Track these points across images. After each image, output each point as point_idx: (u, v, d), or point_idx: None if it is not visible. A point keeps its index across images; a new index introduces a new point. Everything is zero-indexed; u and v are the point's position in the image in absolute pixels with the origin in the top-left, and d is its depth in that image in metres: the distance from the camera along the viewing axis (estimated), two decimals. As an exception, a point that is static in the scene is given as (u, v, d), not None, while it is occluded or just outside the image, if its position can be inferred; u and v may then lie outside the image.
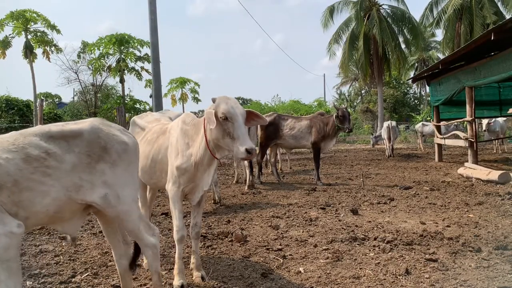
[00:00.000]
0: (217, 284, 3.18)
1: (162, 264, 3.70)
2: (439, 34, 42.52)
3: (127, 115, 14.91)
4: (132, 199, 2.49)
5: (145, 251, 2.57)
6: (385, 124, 15.35)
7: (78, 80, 20.20)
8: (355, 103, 44.84)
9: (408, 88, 43.23)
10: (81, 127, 2.36)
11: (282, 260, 3.67)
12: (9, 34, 17.46)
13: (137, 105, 20.19)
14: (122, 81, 18.48)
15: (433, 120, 13.38)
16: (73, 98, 28.23)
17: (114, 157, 2.37)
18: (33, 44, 17.51)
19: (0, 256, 1.92)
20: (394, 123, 15.18)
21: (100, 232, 4.81)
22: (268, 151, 9.63)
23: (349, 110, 8.95)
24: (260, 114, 3.16)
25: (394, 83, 39.74)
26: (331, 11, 25.72)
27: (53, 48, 18.14)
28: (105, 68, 18.57)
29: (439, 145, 12.86)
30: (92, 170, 2.29)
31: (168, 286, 3.17)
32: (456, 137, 11.23)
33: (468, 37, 22.95)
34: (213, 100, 2.88)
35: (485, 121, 14.74)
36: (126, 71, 18.18)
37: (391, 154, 14.70)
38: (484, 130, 15.26)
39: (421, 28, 25.23)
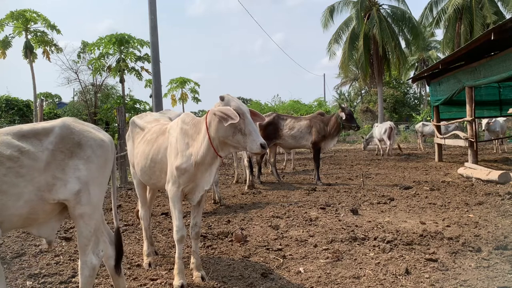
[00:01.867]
0: (217, 284, 3.18)
1: (162, 264, 3.71)
2: (439, 34, 42.62)
3: (127, 115, 14.89)
4: (98, 200, 2.41)
5: (83, 269, 2.37)
6: (385, 124, 15.53)
7: (78, 80, 20.19)
8: (355, 103, 44.83)
9: (408, 88, 43.23)
10: (53, 124, 2.33)
11: (282, 260, 3.67)
12: (9, 34, 17.46)
13: (137, 105, 20.17)
14: (122, 81, 18.44)
15: (433, 120, 13.39)
16: (73, 98, 28.21)
17: (88, 153, 2.33)
18: (33, 44, 17.49)
19: None
20: (392, 124, 15.52)
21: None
22: (267, 151, 9.64)
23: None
24: (258, 112, 3.19)
25: (394, 83, 39.74)
26: (331, 11, 25.72)
27: (53, 48, 18.12)
28: (105, 68, 18.54)
29: (439, 145, 12.86)
30: (65, 166, 2.24)
31: (168, 286, 3.17)
32: (456, 137, 11.24)
33: (468, 37, 22.96)
34: (222, 98, 2.90)
35: (484, 121, 14.75)
36: (126, 71, 18.15)
37: (391, 153, 14.95)
38: (483, 130, 15.28)
39: (421, 28, 25.22)
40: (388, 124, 15.42)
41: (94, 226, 2.38)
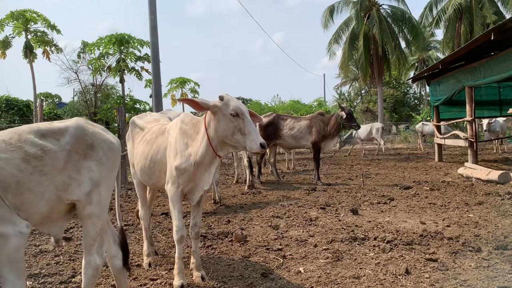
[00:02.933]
0: (217, 284, 3.18)
1: (162, 264, 3.71)
2: (439, 34, 42.63)
3: (127, 115, 14.89)
4: (107, 202, 2.44)
5: (86, 268, 2.37)
6: (376, 125, 16.30)
7: (78, 80, 20.20)
8: (355, 103, 44.84)
9: (408, 88, 43.22)
10: (67, 124, 2.35)
11: (282, 260, 3.67)
12: (9, 34, 17.47)
13: (137, 105, 20.17)
14: (122, 81, 18.44)
15: (433, 120, 13.39)
16: (73, 98, 28.21)
17: (100, 155, 2.36)
18: (33, 44, 17.50)
19: (11, 256, 1.92)
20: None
21: (100, 232, 4.81)
22: (267, 151, 9.65)
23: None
24: (255, 113, 3.19)
25: (394, 83, 39.74)
26: (331, 11, 25.75)
27: (53, 48, 18.13)
28: (105, 68, 18.54)
29: (439, 145, 12.86)
30: (80, 167, 2.27)
31: (168, 286, 3.17)
32: (456, 137, 11.24)
33: (468, 37, 22.98)
34: (221, 98, 2.90)
35: (485, 121, 14.75)
36: (126, 71, 18.15)
37: (382, 152, 16.05)
38: (485, 130, 15.29)
39: (421, 28, 25.24)
40: (380, 124, 16.37)
41: (101, 226, 2.40)
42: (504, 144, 16.30)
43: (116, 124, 10.65)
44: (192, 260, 3.34)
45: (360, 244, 4.08)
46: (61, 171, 2.20)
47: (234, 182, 9.13)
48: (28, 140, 2.12)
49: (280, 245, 4.13)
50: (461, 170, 9.05)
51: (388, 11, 25.35)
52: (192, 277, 3.27)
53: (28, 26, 17.35)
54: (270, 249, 4.01)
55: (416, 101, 44.34)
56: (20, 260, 1.99)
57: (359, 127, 9.08)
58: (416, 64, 40.47)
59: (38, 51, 17.85)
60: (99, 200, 2.34)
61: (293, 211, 5.77)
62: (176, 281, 3.09)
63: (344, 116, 8.40)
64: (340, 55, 26.64)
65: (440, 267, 3.35)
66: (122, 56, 17.91)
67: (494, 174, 7.64)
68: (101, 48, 17.87)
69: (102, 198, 2.36)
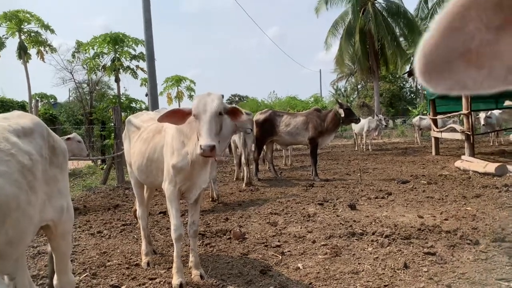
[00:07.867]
0: (216, 282, 3.18)
1: (160, 263, 3.71)
2: (435, 28, 42.52)
3: (123, 114, 14.83)
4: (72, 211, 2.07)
5: None
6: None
7: (73, 80, 20.07)
8: (351, 98, 44.86)
9: (404, 82, 43.26)
10: (26, 121, 1.83)
11: (280, 257, 3.67)
12: (3, 35, 17.34)
13: (133, 104, 20.08)
14: (117, 80, 18.35)
15: (429, 114, 13.41)
16: (69, 98, 28.07)
17: (61, 160, 1.94)
18: (27, 45, 17.39)
19: None
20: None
21: (98, 232, 4.80)
22: (264, 147, 9.64)
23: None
24: (240, 109, 3.02)
25: (390, 77, 39.77)
26: (326, 2, 25.74)
27: (47, 48, 18.01)
28: (100, 68, 18.44)
29: (436, 139, 12.89)
30: (47, 178, 1.82)
31: (167, 285, 3.16)
32: (453, 130, 11.26)
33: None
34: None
35: (482, 115, 14.72)
36: (121, 70, 18.05)
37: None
38: (483, 125, 15.24)
39: (416, 22, 25.26)
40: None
41: (71, 237, 2.13)
42: (500, 136, 16.35)
43: (112, 124, 10.62)
44: (191, 258, 3.34)
45: (359, 239, 4.09)
46: (41, 184, 1.76)
47: (234, 179, 9.12)
48: (16, 144, 1.63)
49: (279, 241, 4.13)
50: (458, 163, 9.07)
51: (383, 5, 25.34)
52: (191, 275, 3.27)
53: (22, 26, 17.23)
54: (269, 246, 4.01)
55: (412, 95, 44.40)
56: None
57: (359, 121, 9.14)
58: (412, 58, 40.46)
59: (32, 51, 17.74)
60: (70, 216, 1.99)
61: (291, 207, 5.77)
62: (175, 280, 3.09)
63: (343, 115, 8.38)
64: (336, 49, 26.67)
65: (438, 261, 3.36)
66: (117, 55, 17.81)
67: (491, 167, 7.66)
68: (95, 48, 17.76)
69: (71, 211, 2.03)
